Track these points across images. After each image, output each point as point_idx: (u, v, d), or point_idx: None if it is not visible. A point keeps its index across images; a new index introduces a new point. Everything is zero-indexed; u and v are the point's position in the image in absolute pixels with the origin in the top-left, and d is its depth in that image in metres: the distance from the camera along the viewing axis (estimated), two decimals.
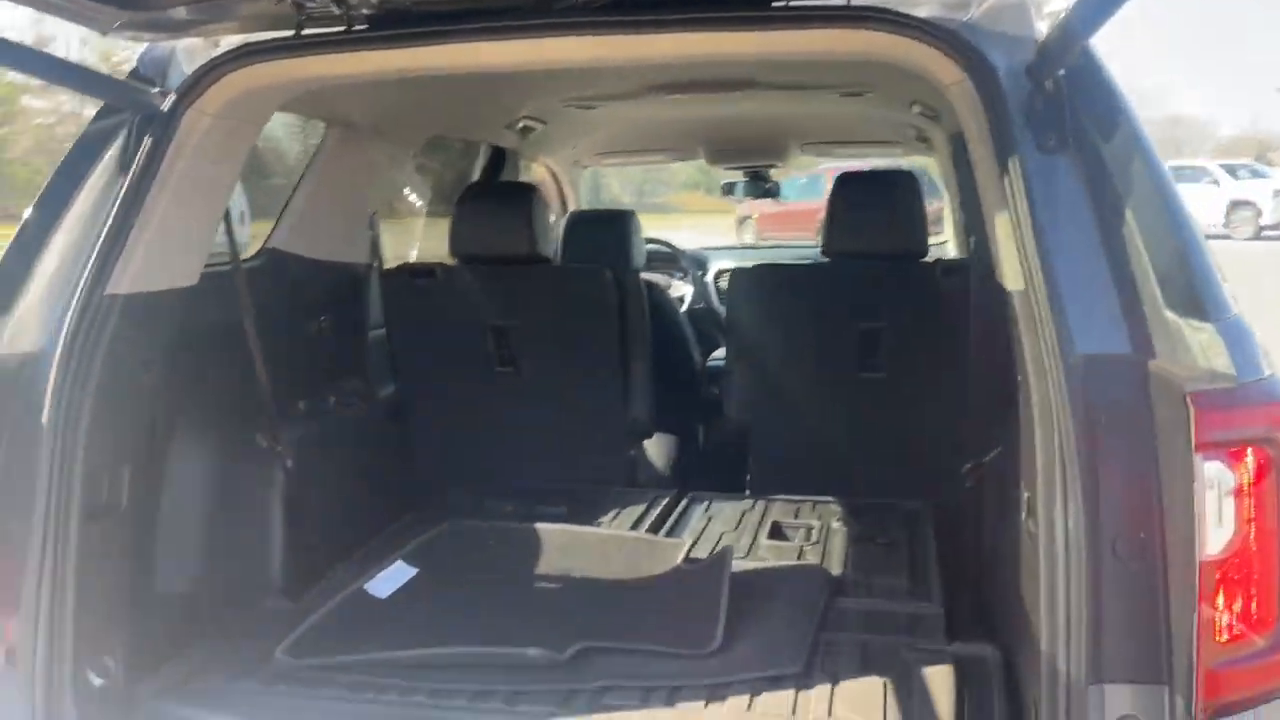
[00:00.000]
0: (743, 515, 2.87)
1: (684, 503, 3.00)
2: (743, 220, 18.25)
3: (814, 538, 2.68)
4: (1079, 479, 1.35)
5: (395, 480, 3.03)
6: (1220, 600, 1.28)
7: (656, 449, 3.75)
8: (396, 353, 3.20)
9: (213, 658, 2.08)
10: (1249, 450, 1.29)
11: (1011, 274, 1.59)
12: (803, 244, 7.55)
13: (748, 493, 3.13)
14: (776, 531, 2.75)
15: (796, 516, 2.85)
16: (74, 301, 1.81)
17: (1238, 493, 1.29)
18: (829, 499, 2.93)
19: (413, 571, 2.42)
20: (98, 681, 1.83)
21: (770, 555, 2.59)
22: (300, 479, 2.45)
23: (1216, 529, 1.28)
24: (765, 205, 16.85)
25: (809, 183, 20.48)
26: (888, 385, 2.98)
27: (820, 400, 3.07)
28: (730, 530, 2.76)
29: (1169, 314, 1.39)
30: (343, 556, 2.60)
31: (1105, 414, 1.38)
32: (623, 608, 2.24)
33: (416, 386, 3.22)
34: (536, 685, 1.88)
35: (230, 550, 2.33)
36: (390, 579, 2.38)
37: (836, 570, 2.44)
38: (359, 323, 3.11)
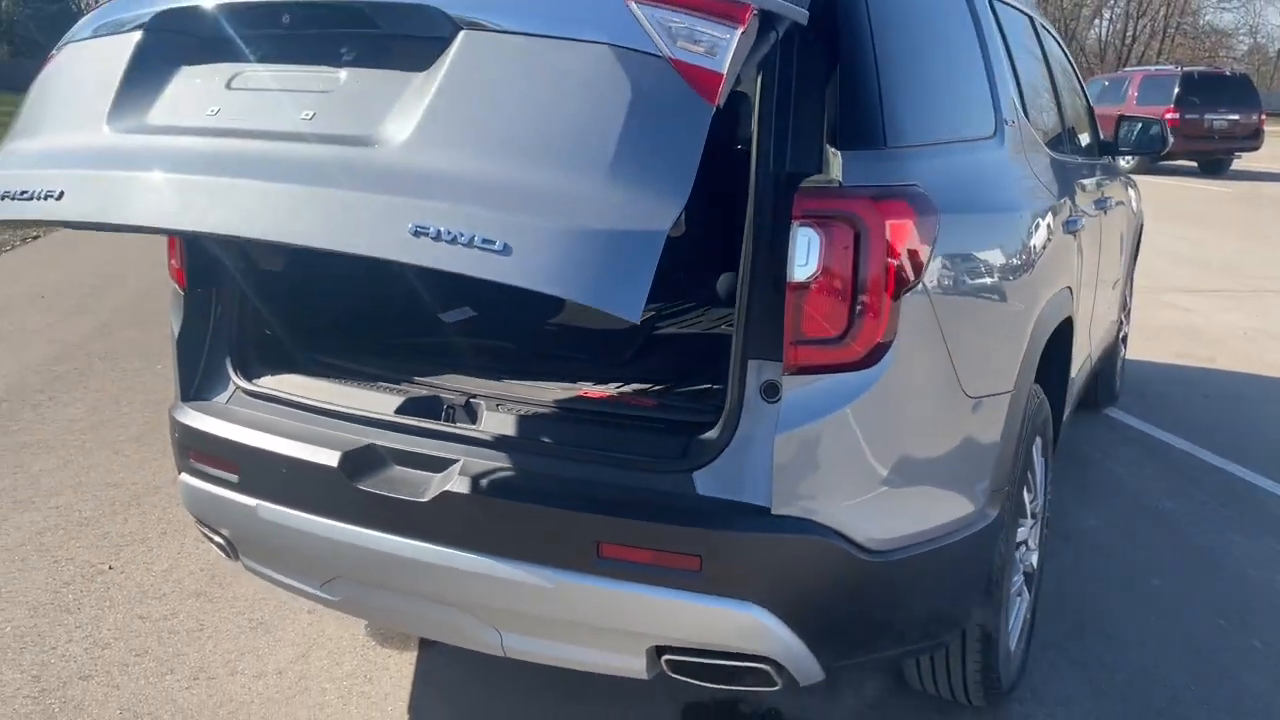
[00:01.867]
0: None
1: None
2: None
3: None
4: (766, 240, 1.96)
5: None
6: (803, 308, 1.93)
7: None
8: None
9: None
10: (831, 224, 1.92)
11: None
12: None
13: None
14: None
15: None
16: None
17: (821, 245, 1.92)
18: None
19: None
20: None
21: None
22: None
23: (802, 265, 1.91)
24: None
25: (1110, 86, 20.82)
26: None
27: None
28: None
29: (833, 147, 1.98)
30: None
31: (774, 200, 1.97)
32: None
33: None
34: None
35: None
36: None
37: None
38: None
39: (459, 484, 2.09)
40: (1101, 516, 4.14)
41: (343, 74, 1.91)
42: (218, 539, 2.54)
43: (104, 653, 2.96)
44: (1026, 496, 2.74)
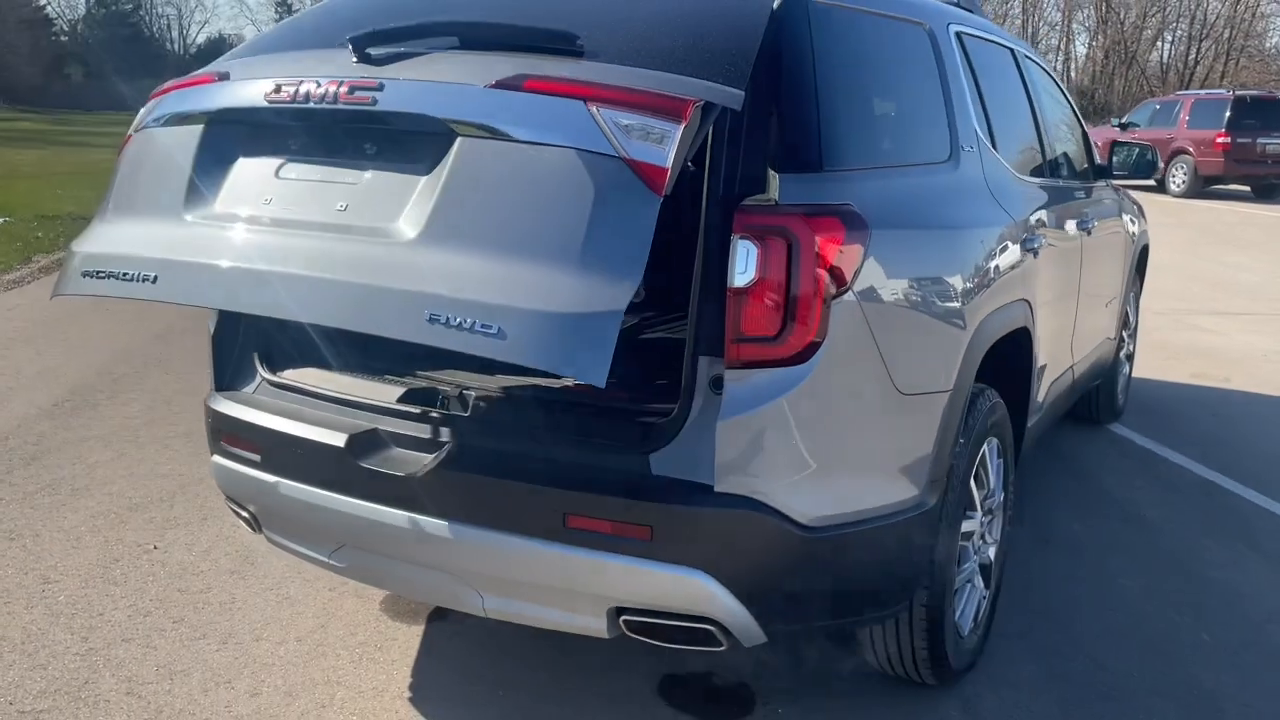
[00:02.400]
0: None
1: None
2: None
3: None
4: (714, 252, 2.25)
5: None
6: (742, 311, 2.20)
7: None
8: None
9: None
10: (767, 237, 2.20)
11: None
12: None
13: None
14: None
15: None
16: None
17: (758, 256, 2.20)
18: None
19: None
20: None
21: None
22: None
23: (742, 273, 2.19)
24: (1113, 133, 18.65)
25: (1162, 109, 21.02)
26: None
27: None
28: None
29: (773, 170, 2.27)
30: None
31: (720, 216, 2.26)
32: None
33: None
34: None
35: None
36: None
37: None
38: None
39: (448, 462, 2.39)
40: (1086, 523, 4.34)
41: (368, 169, 2.32)
42: (244, 514, 2.87)
43: (145, 620, 3.30)
44: (977, 492, 2.98)
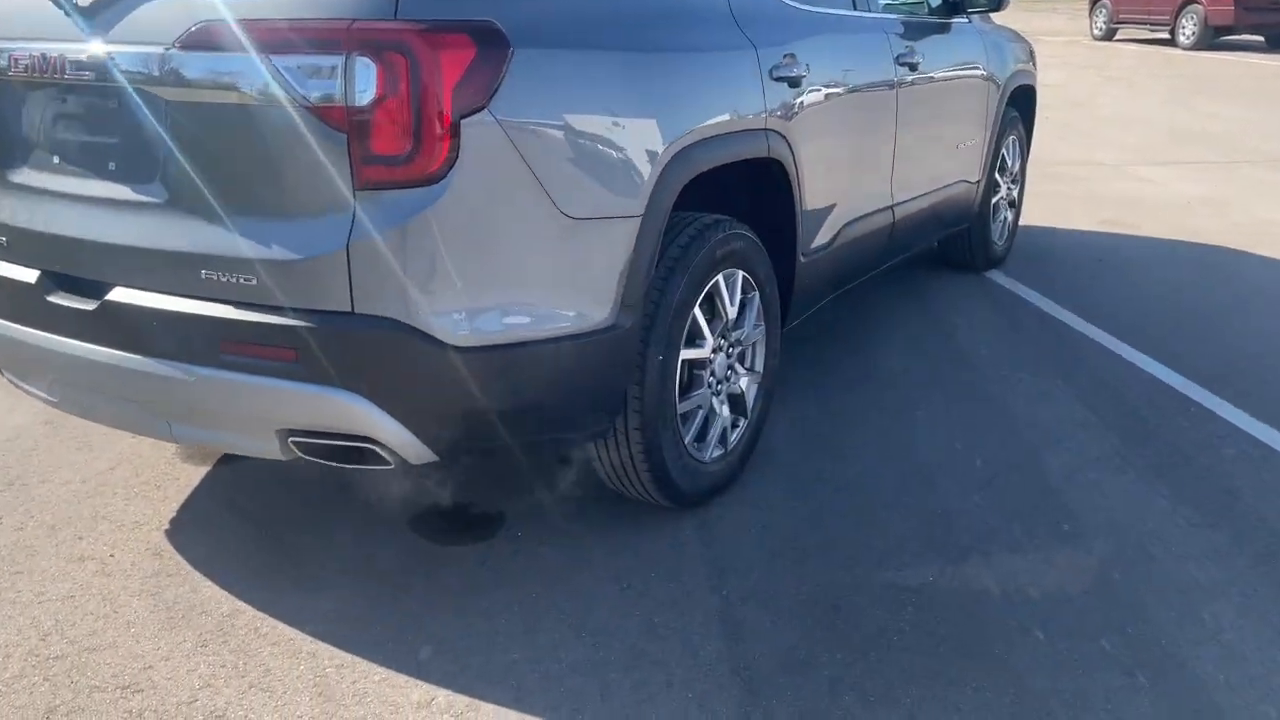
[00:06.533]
0: None
1: None
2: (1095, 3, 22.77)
3: None
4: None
5: None
6: (367, 131, 2.23)
7: None
8: None
9: None
10: (385, 53, 2.21)
11: None
12: None
13: None
14: None
15: None
16: None
17: (378, 74, 2.21)
18: None
19: None
20: None
21: None
22: None
23: (363, 91, 2.21)
24: None
25: None
26: None
27: None
28: None
29: None
30: None
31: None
32: None
33: None
34: None
35: None
36: None
37: None
38: None
39: (118, 295, 2.47)
40: (915, 361, 4.39)
41: (116, 134, 2.51)
42: None
43: None
44: (706, 322, 3.02)
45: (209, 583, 2.83)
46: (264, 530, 3.08)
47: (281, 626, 2.65)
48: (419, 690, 2.42)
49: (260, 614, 2.70)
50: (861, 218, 3.97)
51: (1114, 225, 6.80)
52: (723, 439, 3.21)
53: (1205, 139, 10.15)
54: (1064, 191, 7.74)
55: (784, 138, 3.25)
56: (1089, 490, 3.31)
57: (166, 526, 3.10)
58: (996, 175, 5.49)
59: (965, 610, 2.70)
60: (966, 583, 2.82)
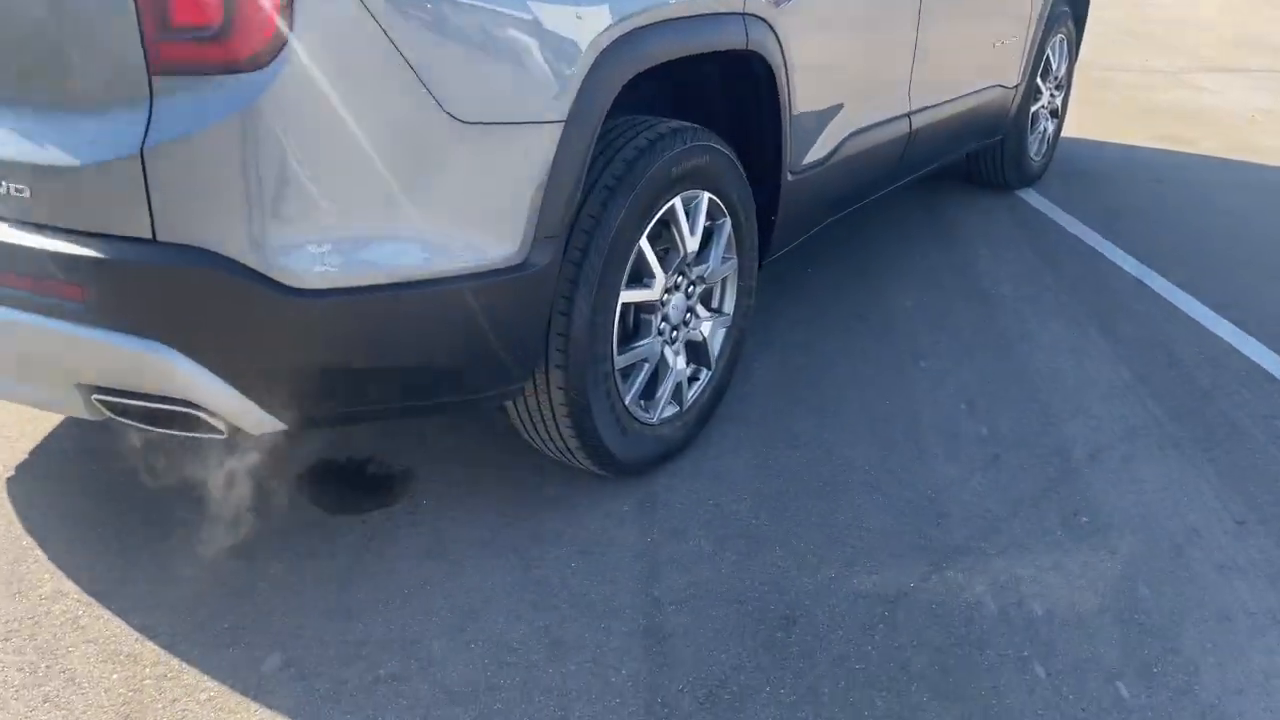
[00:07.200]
0: None
1: None
2: None
3: None
4: None
5: None
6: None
7: None
8: None
9: None
10: None
11: None
12: None
13: None
14: None
15: None
16: None
17: None
18: None
19: None
20: None
21: None
22: None
23: None
24: None
25: None
26: None
27: None
28: None
29: None
30: None
31: None
32: None
33: None
34: None
35: None
36: None
37: None
38: None
39: None
40: (925, 296, 3.79)
41: None
42: None
43: None
44: (655, 257, 2.44)
45: (37, 551, 2.34)
46: (121, 489, 2.57)
47: (106, 618, 2.15)
48: (251, 717, 1.92)
49: (85, 599, 2.20)
50: (869, 128, 3.32)
51: (1171, 141, 6.07)
52: (677, 395, 2.65)
53: (1272, 46, 9.25)
54: (1113, 100, 6.98)
55: (769, 25, 2.62)
56: (1117, 472, 2.75)
57: (11, 473, 2.60)
58: (1039, 80, 4.78)
59: (949, 633, 2.17)
60: (954, 593, 2.28)
